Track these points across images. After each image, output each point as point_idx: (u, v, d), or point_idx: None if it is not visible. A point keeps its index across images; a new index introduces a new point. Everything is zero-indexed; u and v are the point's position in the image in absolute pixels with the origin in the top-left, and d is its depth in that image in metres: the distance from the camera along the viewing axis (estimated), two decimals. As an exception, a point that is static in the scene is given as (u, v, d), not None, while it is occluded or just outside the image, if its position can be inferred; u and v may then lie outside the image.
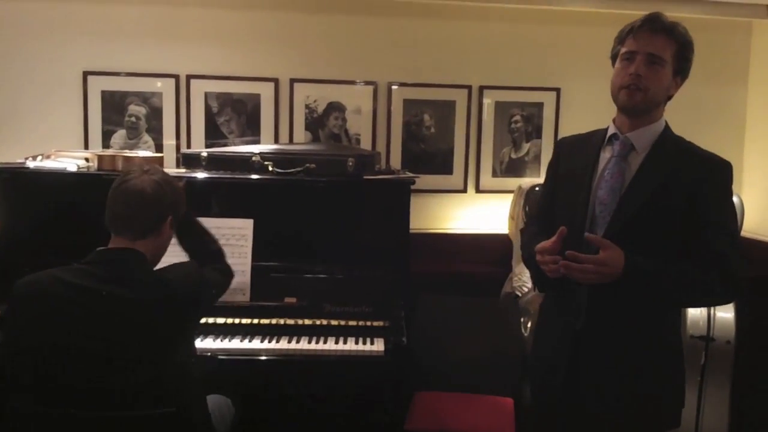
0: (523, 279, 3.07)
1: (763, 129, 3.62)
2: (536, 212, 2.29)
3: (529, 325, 2.93)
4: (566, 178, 2.01)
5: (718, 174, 1.85)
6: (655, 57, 1.83)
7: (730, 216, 1.87)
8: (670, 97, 1.93)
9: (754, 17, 3.50)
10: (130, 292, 1.77)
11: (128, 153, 2.79)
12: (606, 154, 1.94)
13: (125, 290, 1.77)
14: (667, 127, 1.93)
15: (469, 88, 3.47)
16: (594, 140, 1.99)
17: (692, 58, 1.90)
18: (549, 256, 1.81)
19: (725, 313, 3.15)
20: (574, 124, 3.52)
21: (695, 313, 3.16)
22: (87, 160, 2.67)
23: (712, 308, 3.16)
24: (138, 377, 1.75)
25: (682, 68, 1.88)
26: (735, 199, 3.18)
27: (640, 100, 1.85)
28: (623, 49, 1.88)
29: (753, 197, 3.60)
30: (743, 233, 3.28)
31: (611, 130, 1.95)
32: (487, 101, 3.51)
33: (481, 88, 3.49)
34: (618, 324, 1.86)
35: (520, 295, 3.06)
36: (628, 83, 1.84)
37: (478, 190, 3.56)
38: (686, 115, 3.64)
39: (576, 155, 2.02)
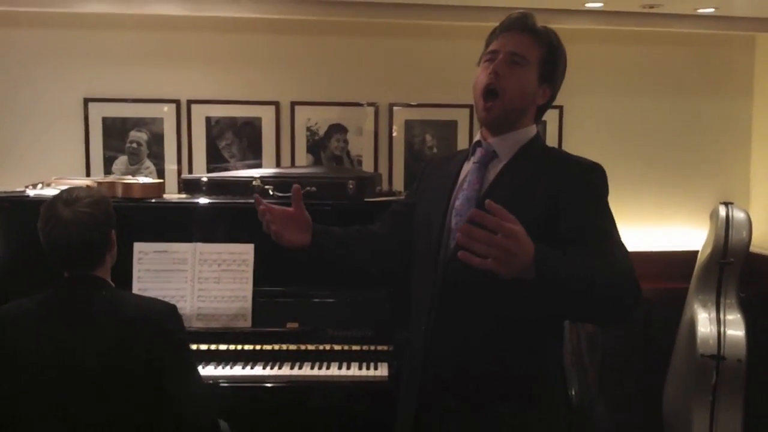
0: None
1: (769, 142, 3.60)
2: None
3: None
4: (428, 193, 1.89)
5: (585, 177, 1.67)
6: (517, 56, 1.70)
7: (610, 220, 1.64)
8: (542, 109, 1.80)
9: (757, 31, 3.48)
10: (100, 317, 1.78)
11: (128, 179, 2.78)
12: (468, 165, 1.80)
13: (96, 316, 1.78)
14: (538, 136, 1.79)
15: (471, 107, 3.46)
16: (460, 155, 1.89)
17: (562, 67, 1.78)
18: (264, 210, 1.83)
19: (735, 331, 3.11)
20: (577, 141, 3.51)
21: (705, 332, 3.11)
22: (88, 187, 2.65)
23: (722, 326, 3.11)
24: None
25: (549, 75, 1.75)
26: (741, 213, 3.19)
27: (499, 111, 1.70)
28: (487, 50, 1.78)
29: (760, 211, 3.56)
30: (751, 248, 3.24)
31: (476, 138, 1.82)
32: (490, 120, 3.49)
33: (483, 107, 3.47)
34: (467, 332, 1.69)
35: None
36: (485, 83, 1.70)
37: (482, 210, 3.53)
38: (691, 130, 3.64)
39: (440, 170, 1.90)
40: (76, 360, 1.73)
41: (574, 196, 1.62)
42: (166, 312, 1.85)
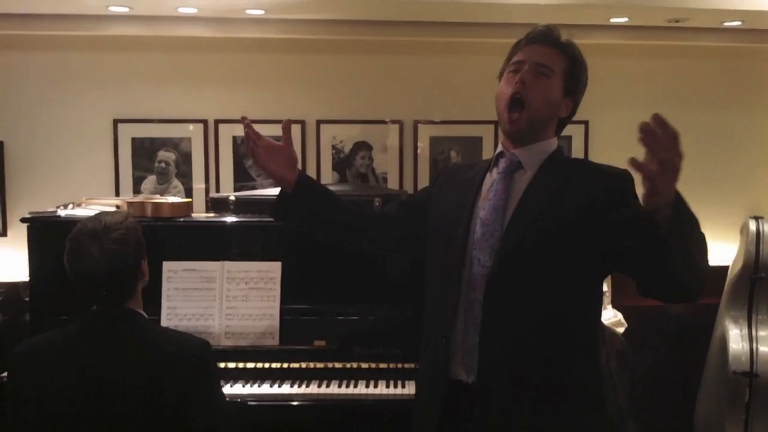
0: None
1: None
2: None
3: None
4: (446, 201, 1.85)
5: (617, 183, 1.67)
6: (543, 66, 1.72)
7: None
8: (563, 122, 1.81)
9: (783, 42, 3.45)
10: (132, 352, 1.75)
11: (157, 199, 2.81)
12: (492, 176, 1.79)
13: (128, 352, 1.75)
14: (560, 149, 1.80)
15: (495, 123, 3.45)
16: (481, 164, 1.88)
17: (584, 81, 1.80)
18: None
19: (769, 348, 3.06)
20: (603, 156, 3.47)
21: (737, 349, 3.06)
22: (117, 207, 2.69)
23: (754, 342, 3.05)
24: None
25: (572, 88, 1.76)
26: (770, 227, 3.15)
27: (524, 122, 1.70)
28: (511, 62, 1.78)
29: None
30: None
31: (498, 149, 1.82)
32: (515, 136, 3.48)
33: (508, 123, 3.47)
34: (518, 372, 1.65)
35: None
36: (511, 92, 1.71)
37: (507, 226, 3.52)
38: (719, 144, 3.60)
39: (458, 178, 1.88)
40: (104, 395, 1.70)
41: (612, 198, 1.62)
42: (200, 348, 1.80)
